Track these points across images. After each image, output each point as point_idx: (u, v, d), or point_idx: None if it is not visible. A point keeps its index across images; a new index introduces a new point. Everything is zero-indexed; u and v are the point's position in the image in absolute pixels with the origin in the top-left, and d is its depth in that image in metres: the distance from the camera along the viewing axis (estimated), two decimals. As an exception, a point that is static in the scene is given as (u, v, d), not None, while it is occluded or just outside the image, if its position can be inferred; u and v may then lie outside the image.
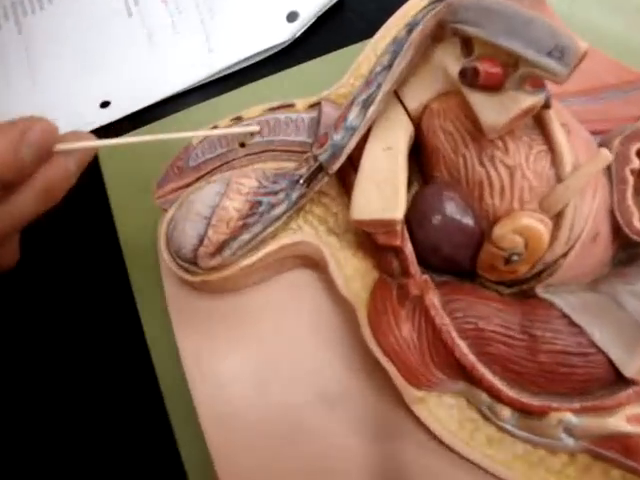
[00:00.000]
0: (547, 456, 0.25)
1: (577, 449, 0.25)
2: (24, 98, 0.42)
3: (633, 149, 0.26)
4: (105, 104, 0.41)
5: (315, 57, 0.39)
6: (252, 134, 0.31)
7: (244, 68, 0.41)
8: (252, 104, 0.34)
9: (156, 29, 0.42)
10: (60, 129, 0.40)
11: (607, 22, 0.40)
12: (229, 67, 0.40)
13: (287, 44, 0.40)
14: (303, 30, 0.40)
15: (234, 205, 0.27)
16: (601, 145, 0.27)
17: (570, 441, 0.25)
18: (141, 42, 0.42)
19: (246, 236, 0.28)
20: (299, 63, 0.39)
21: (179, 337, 0.30)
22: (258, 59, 0.40)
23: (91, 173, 0.37)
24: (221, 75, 0.40)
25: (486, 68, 0.24)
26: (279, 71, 0.39)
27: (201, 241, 0.28)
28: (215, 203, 0.28)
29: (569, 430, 0.25)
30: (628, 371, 0.24)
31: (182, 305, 0.31)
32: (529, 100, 0.23)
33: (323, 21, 0.41)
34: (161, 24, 0.42)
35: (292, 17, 0.40)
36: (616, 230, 0.27)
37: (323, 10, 0.41)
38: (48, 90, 0.42)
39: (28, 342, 0.36)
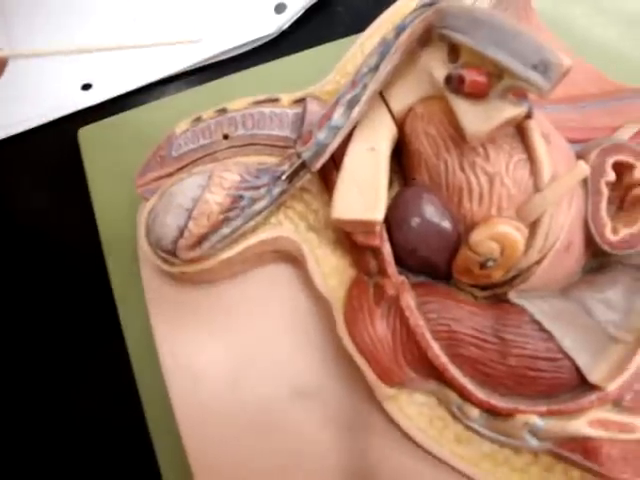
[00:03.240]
0: (512, 455, 0.26)
1: (540, 450, 0.26)
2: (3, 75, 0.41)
3: (609, 162, 0.27)
4: (87, 86, 0.40)
5: (302, 50, 0.39)
6: (235, 128, 0.31)
7: (230, 58, 0.40)
8: (237, 94, 0.34)
9: (142, 11, 0.42)
10: (41, 109, 0.40)
11: (590, 24, 0.40)
12: (215, 56, 0.40)
13: (274, 36, 0.40)
14: (290, 22, 0.40)
15: (215, 199, 0.28)
16: (579, 156, 0.28)
17: (534, 442, 0.26)
18: (126, 24, 0.42)
19: (226, 230, 0.28)
20: (285, 55, 0.39)
21: (155, 327, 0.30)
22: (244, 50, 0.40)
23: (71, 158, 0.38)
24: (207, 63, 0.40)
25: (472, 76, 0.24)
26: (265, 62, 0.39)
27: (181, 233, 0.28)
28: (197, 196, 0.28)
29: (534, 432, 0.25)
30: (593, 377, 0.25)
31: (160, 295, 0.31)
32: (512, 110, 0.24)
33: (311, 14, 0.41)
34: (148, 6, 0.42)
35: (280, 9, 0.40)
36: (589, 240, 0.27)
37: (311, 3, 0.40)
38: (28, 68, 0.41)
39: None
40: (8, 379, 0.35)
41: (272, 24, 0.40)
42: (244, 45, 0.40)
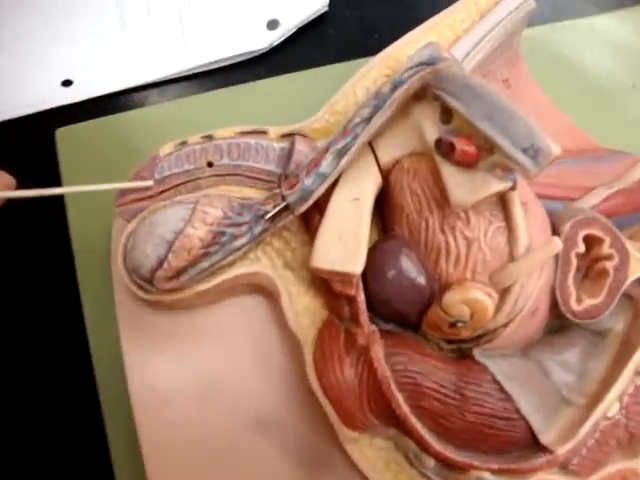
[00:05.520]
0: (461, 505, 0.28)
1: (489, 504, 0.27)
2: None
3: (581, 234, 0.28)
4: (67, 82, 0.39)
5: (291, 68, 0.39)
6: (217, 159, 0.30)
7: (218, 68, 0.40)
8: (222, 110, 0.34)
9: (130, 11, 0.41)
10: (19, 102, 0.39)
11: (579, 53, 0.41)
12: (202, 65, 0.39)
13: (264, 51, 0.40)
14: (282, 39, 0.40)
15: (197, 234, 0.28)
16: (554, 223, 0.29)
17: (484, 496, 0.27)
18: (112, 22, 0.40)
19: (205, 264, 0.28)
20: (274, 72, 0.39)
21: (125, 347, 0.30)
22: (233, 62, 0.40)
23: (47, 156, 0.37)
24: (193, 72, 0.40)
25: (462, 146, 0.25)
26: (253, 77, 0.39)
27: (160, 264, 0.28)
28: (179, 229, 0.28)
29: (484, 487, 0.27)
30: (545, 438, 0.27)
31: (131, 316, 0.31)
32: (499, 185, 0.24)
33: (303, 33, 0.41)
34: (135, 6, 0.41)
35: (272, 25, 0.40)
36: (554, 304, 0.28)
37: (304, 22, 0.40)
38: (7, 58, 0.40)
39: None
40: None
41: (263, 39, 0.40)
42: (234, 57, 0.40)
